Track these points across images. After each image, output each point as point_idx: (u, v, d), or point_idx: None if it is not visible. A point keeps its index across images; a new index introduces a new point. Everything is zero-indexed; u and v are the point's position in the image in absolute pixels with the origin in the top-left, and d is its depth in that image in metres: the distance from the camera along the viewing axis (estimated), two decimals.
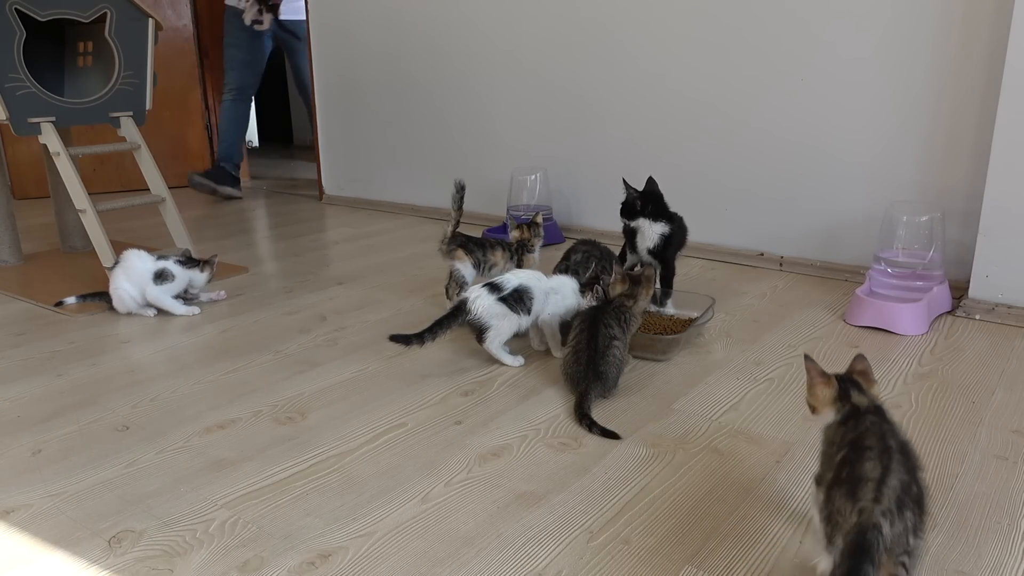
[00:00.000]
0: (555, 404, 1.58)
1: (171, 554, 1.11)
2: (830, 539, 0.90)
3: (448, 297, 2.09)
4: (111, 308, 2.14)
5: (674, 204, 2.07)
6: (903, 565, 0.86)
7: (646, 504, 1.22)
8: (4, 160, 2.99)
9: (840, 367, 1.11)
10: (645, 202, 2.02)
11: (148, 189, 2.63)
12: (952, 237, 2.19)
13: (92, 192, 2.49)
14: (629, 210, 2.04)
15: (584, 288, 1.76)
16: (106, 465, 1.36)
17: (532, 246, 2.12)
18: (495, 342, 1.73)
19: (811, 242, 2.48)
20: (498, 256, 2.08)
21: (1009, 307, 2.02)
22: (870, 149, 2.32)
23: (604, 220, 2.92)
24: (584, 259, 1.99)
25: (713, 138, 2.61)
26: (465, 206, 2.07)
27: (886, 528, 0.84)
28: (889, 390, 1.63)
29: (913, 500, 0.88)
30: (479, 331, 1.73)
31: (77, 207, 2.42)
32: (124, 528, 1.17)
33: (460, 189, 2.04)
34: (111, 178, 4.08)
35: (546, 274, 1.82)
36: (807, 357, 1.08)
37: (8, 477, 1.32)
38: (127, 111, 2.61)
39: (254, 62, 3.85)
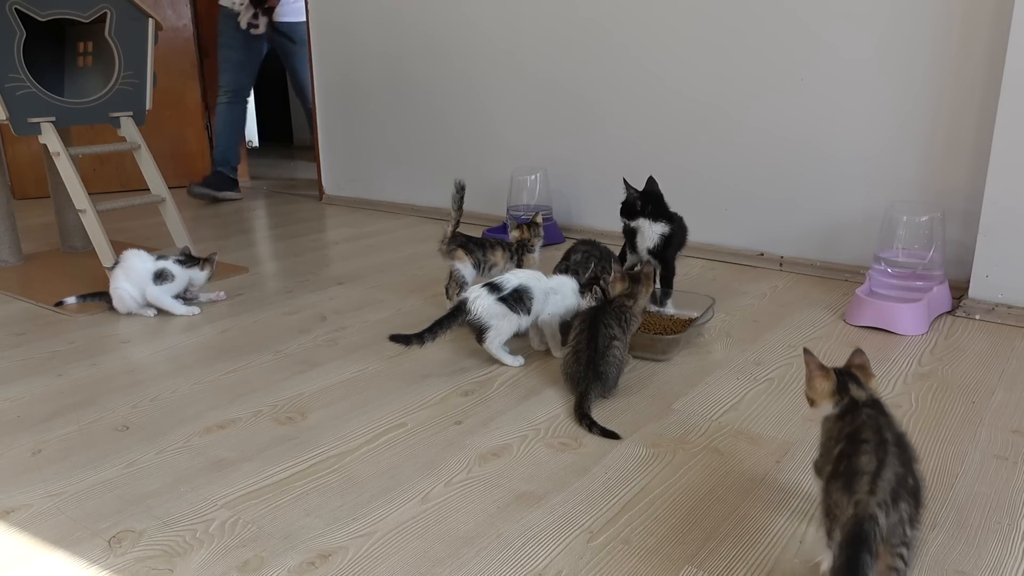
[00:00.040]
0: (555, 404, 1.58)
1: (171, 554, 1.11)
2: (830, 534, 0.90)
3: (448, 297, 2.09)
4: (111, 308, 2.14)
5: (674, 204, 2.07)
6: (901, 556, 0.86)
7: (646, 504, 1.22)
8: (4, 160, 2.99)
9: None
10: (645, 202, 2.02)
11: (148, 189, 2.63)
12: (952, 237, 2.19)
13: (92, 192, 2.49)
14: (629, 210, 2.04)
15: (584, 288, 1.76)
16: (106, 465, 1.36)
17: (532, 246, 2.12)
18: (495, 342, 1.73)
19: (811, 242, 2.49)
20: (498, 256, 2.08)
21: (1009, 307, 2.02)
22: (870, 149, 2.32)
23: (604, 220, 2.92)
24: (584, 259, 1.99)
25: (713, 138, 2.61)
26: (465, 206, 2.07)
27: (882, 519, 0.85)
28: (889, 390, 1.63)
29: (909, 492, 0.89)
30: (479, 331, 1.73)
31: (77, 207, 2.42)
32: (124, 528, 1.17)
33: (460, 189, 2.04)
34: (111, 178, 4.08)
35: (546, 274, 1.82)
36: (806, 351, 1.09)
37: (8, 477, 1.32)
38: (127, 111, 2.61)
39: (249, 63, 3.83)
